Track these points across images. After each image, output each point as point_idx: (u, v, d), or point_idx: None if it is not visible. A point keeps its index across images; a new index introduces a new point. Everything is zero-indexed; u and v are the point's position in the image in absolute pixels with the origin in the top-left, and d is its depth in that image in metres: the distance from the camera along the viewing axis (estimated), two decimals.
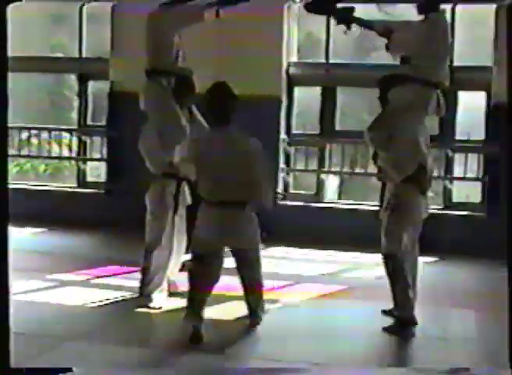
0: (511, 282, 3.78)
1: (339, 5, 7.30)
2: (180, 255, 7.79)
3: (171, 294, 7.65)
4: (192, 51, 7.76)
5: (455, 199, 11.44)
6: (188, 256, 7.69)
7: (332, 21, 8.07)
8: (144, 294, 7.48)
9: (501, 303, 8.09)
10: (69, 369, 4.59)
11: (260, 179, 6.71)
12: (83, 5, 12.59)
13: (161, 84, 7.52)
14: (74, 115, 14.37)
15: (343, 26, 7.26)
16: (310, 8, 7.50)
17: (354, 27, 7.22)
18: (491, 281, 9.19)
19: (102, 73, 12.22)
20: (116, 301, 7.68)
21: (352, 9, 7.23)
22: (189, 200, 7.71)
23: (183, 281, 7.59)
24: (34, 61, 13.28)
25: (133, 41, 11.16)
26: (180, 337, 6.63)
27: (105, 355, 6.02)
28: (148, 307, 7.35)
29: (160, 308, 7.35)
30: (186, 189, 7.66)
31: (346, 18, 7.18)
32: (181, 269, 7.85)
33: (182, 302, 7.23)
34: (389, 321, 6.89)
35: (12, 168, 15.58)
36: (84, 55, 12.70)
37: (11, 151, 13.34)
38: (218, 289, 7.56)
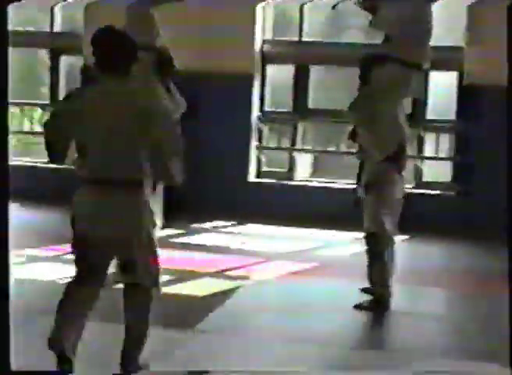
0: (511, 278, 3.62)
1: None
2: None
3: None
4: (166, 27, 7.71)
5: (426, 178, 11.50)
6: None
7: None
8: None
9: (470, 280, 8.30)
10: (69, 371, 4.49)
11: (163, 149, 4.78)
12: None
13: (142, 60, 7.48)
14: (45, 90, 14.37)
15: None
16: None
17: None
18: (460, 259, 9.39)
19: (75, 47, 12.05)
20: None
21: None
22: None
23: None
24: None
25: (106, 16, 11.28)
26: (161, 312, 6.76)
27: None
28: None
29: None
30: None
31: None
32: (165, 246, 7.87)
33: (164, 278, 7.34)
34: (360, 298, 6.92)
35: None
36: (58, 29, 12.64)
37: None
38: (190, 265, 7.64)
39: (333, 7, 7.21)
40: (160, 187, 7.64)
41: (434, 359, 5.69)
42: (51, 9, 12.43)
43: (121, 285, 7.05)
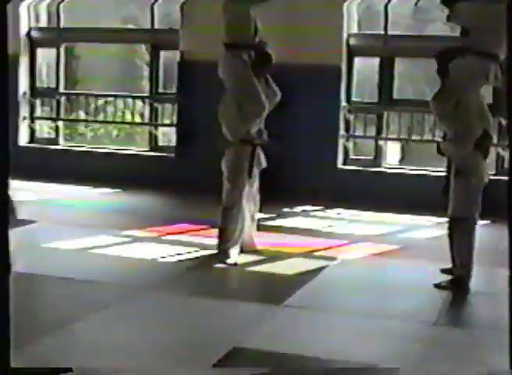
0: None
1: None
2: (255, 215, 7.96)
3: (243, 251, 7.80)
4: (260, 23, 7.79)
5: (507, 165, 11.29)
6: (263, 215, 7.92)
7: None
8: (221, 251, 7.63)
9: None
10: (70, 369, 4.40)
11: None
12: None
13: (242, 58, 7.54)
14: (145, 83, 14.63)
15: None
16: None
17: None
18: None
19: (173, 43, 12.23)
20: (196, 257, 7.82)
21: None
22: (264, 163, 7.85)
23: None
24: (109, 32, 13.50)
25: (202, 13, 11.48)
26: (249, 290, 6.95)
27: (182, 305, 6.25)
28: (225, 263, 7.50)
29: (236, 264, 7.50)
30: (261, 153, 7.80)
31: None
32: (257, 229, 8.08)
33: (257, 258, 7.65)
34: (441, 278, 6.98)
35: (88, 132, 15.99)
36: (156, 26, 12.74)
37: (87, 117, 13.72)
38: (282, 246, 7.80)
39: (416, 3, 7.16)
40: (256, 174, 7.81)
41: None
42: (151, 7, 12.60)
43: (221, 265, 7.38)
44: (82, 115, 13.88)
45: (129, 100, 13.33)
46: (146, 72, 14.36)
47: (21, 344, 4.36)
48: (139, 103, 13.38)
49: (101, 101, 13.63)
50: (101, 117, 13.74)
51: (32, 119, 13.14)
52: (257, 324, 5.73)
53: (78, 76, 16.12)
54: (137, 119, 13.94)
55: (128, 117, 13.92)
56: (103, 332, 5.49)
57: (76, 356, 4.89)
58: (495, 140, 10.88)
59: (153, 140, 12.85)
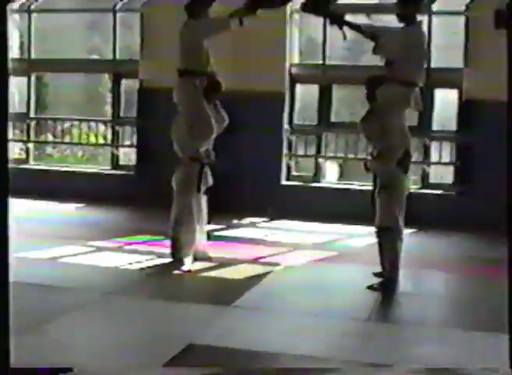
0: (511, 279, 3.58)
1: (333, 10, 7.33)
2: (204, 226, 7.95)
3: (196, 259, 7.79)
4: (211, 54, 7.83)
5: (431, 180, 11.53)
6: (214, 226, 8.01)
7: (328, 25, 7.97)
8: (176, 259, 7.65)
9: (467, 265, 8.42)
10: (70, 369, 4.36)
11: None
12: (116, 13, 12.59)
13: (194, 84, 7.55)
14: (107, 108, 14.58)
15: (340, 33, 7.15)
16: (306, 8, 7.39)
17: (349, 32, 7.16)
18: (461, 249, 9.42)
19: (133, 72, 12.26)
20: (155, 265, 7.80)
21: (343, 14, 7.23)
22: (210, 181, 7.86)
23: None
24: (76, 63, 13.47)
25: (159, 45, 11.54)
26: (202, 293, 7.01)
27: (143, 308, 6.29)
28: (180, 270, 7.52)
29: (189, 270, 7.51)
30: (208, 172, 7.81)
31: (338, 20, 7.12)
32: (208, 238, 8.11)
33: (208, 265, 7.69)
34: (373, 280, 7.02)
35: (55, 153, 15.87)
36: (118, 56, 12.73)
37: (55, 139, 13.66)
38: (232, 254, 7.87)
39: (344, 38, 7.22)
40: (203, 189, 7.80)
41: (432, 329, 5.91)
42: (114, 39, 12.63)
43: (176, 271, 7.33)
44: (50, 137, 13.82)
45: (93, 123, 13.35)
46: (108, 98, 14.35)
47: None
48: (101, 126, 13.44)
49: (67, 125, 13.58)
50: (67, 139, 13.68)
51: None
52: (210, 323, 5.77)
53: (46, 102, 16.01)
54: (100, 141, 13.92)
55: (92, 139, 13.89)
56: (71, 333, 5.50)
57: (47, 355, 4.89)
58: (421, 158, 11.18)
59: (115, 159, 12.84)
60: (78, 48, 14.87)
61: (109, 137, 13.05)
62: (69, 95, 15.95)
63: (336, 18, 7.14)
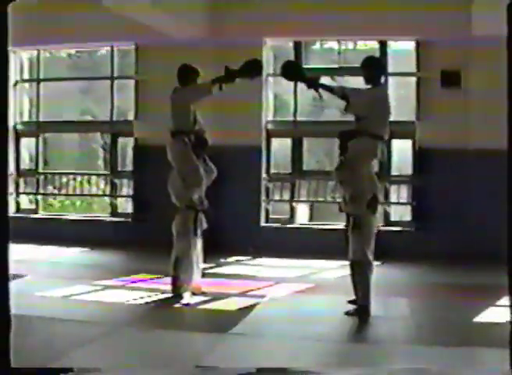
0: (511, 287, 3.61)
1: (309, 75, 7.46)
2: (200, 265, 8.06)
3: (194, 293, 7.86)
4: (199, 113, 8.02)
5: (392, 218, 11.78)
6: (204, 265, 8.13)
7: (302, 87, 8.08)
8: (176, 294, 7.74)
9: (427, 292, 8.56)
10: (70, 370, 4.37)
11: None
12: (113, 80, 12.80)
13: (184, 141, 7.72)
14: (100, 162, 14.73)
15: (313, 92, 7.34)
16: (287, 76, 7.55)
17: (322, 92, 7.26)
18: (421, 277, 9.61)
19: (128, 131, 12.46)
20: (157, 300, 7.83)
21: (318, 78, 7.35)
22: (205, 225, 7.99)
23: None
24: (78, 125, 13.66)
25: (152, 108, 11.75)
26: (201, 323, 7.13)
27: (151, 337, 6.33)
28: (180, 303, 7.60)
29: (188, 304, 7.60)
30: (203, 217, 7.95)
31: (314, 84, 7.25)
32: (202, 276, 8.19)
33: (204, 298, 7.78)
34: (348, 307, 7.12)
35: (56, 203, 15.89)
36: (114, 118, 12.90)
37: (55, 191, 13.72)
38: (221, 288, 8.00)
39: (320, 98, 7.37)
40: (199, 232, 7.93)
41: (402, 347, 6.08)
42: (112, 102, 12.80)
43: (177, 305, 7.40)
44: (50, 189, 13.86)
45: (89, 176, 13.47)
46: (101, 154, 14.52)
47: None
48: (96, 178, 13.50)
49: (65, 179, 13.65)
50: (65, 191, 13.68)
51: (17, 194, 13.26)
52: (212, 348, 5.87)
53: (47, 158, 16.10)
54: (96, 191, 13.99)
55: (91, 190, 13.96)
56: (89, 361, 5.51)
57: None
58: (382, 199, 11.38)
59: (113, 208, 12.97)
60: (72, 110, 15.05)
61: (103, 187, 13.16)
62: (66, 151, 16.05)
63: (313, 82, 7.26)
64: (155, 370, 5.24)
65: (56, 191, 13.84)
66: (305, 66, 11.48)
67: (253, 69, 7.76)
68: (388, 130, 7.23)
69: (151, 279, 9.02)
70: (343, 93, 7.16)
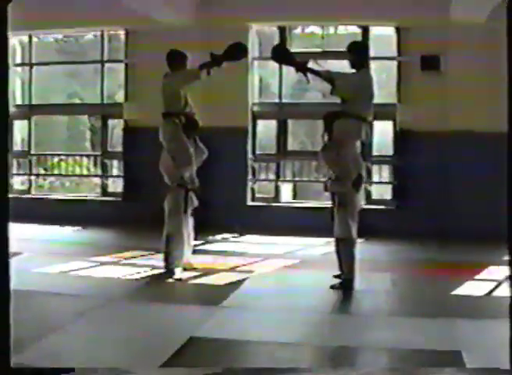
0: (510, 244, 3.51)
1: (298, 59, 7.45)
2: (191, 241, 8.16)
3: (185, 269, 7.98)
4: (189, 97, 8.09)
5: (374, 197, 11.93)
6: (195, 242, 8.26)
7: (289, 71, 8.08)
8: (168, 270, 7.86)
9: (408, 267, 8.73)
10: (72, 370, 4.19)
11: None
12: (103, 64, 12.86)
13: (174, 122, 7.82)
14: (87, 144, 14.81)
15: (300, 75, 7.45)
16: (277, 59, 7.68)
17: (310, 75, 7.30)
18: (401, 253, 9.76)
19: (117, 114, 12.52)
20: (150, 275, 7.93)
21: (306, 62, 7.36)
22: (196, 203, 8.12)
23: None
24: (68, 107, 13.68)
25: (142, 90, 11.84)
26: (193, 297, 7.27)
27: (144, 310, 6.41)
28: (173, 278, 7.73)
29: (180, 279, 7.72)
30: (193, 195, 8.07)
31: (303, 67, 7.29)
32: (193, 252, 8.31)
33: (195, 274, 7.90)
34: (333, 281, 7.25)
35: (46, 184, 15.92)
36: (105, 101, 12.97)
37: (44, 172, 13.79)
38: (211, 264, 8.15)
39: (307, 82, 7.47)
40: (190, 210, 8.03)
41: (384, 318, 6.23)
42: (101, 86, 12.86)
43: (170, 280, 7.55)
44: (41, 171, 13.96)
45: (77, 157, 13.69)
46: (88, 136, 14.60)
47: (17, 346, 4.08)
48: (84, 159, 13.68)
49: (56, 159, 13.77)
50: (56, 171, 13.90)
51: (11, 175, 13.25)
52: (205, 320, 5.94)
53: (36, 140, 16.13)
54: (85, 172, 14.09)
55: (78, 171, 14.05)
56: (84, 334, 5.58)
57: (63, 356, 4.91)
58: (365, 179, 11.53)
59: (104, 188, 13.06)
60: (60, 93, 15.09)
61: (93, 168, 13.28)
62: (54, 133, 16.11)
63: (302, 66, 7.33)
64: (149, 341, 5.30)
65: (45, 172, 13.91)
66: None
67: (237, 51, 7.81)
68: (372, 113, 7.34)
69: (144, 255, 9.11)
70: (330, 77, 7.24)
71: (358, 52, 7.41)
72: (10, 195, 11.88)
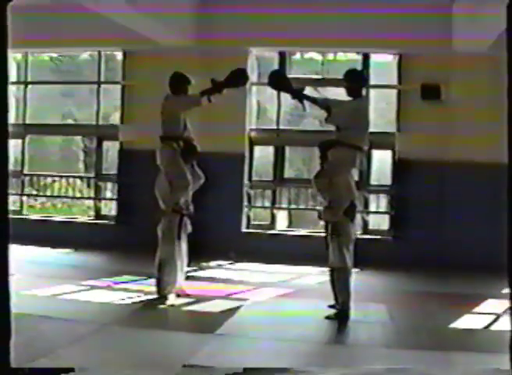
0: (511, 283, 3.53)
1: (294, 86, 7.56)
2: (184, 268, 8.18)
3: (178, 295, 8.01)
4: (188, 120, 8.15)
5: (371, 227, 11.97)
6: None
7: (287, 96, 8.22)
8: (161, 296, 7.86)
9: (403, 299, 8.73)
10: (71, 370, 4.32)
11: None
12: (100, 85, 12.94)
13: (172, 146, 7.86)
14: (81, 165, 14.84)
15: (296, 102, 7.54)
16: (273, 85, 7.71)
17: (306, 102, 7.41)
18: (396, 284, 9.77)
19: (112, 135, 12.52)
20: (142, 301, 7.95)
21: (303, 89, 7.53)
22: (190, 228, 8.15)
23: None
24: (64, 127, 13.77)
25: (138, 112, 11.90)
26: (186, 324, 7.27)
27: (137, 336, 6.42)
28: (165, 304, 7.74)
29: (173, 305, 7.74)
30: (188, 221, 8.11)
31: (299, 95, 7.43)
32: (187, 278, 8.33)
33: (188, 300, 7.92)
34: (328, 311, 7.27)
35: (37, 204, 15.95)
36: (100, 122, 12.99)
37: (36, 192, 13.79)
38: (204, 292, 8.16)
39: (303, 109, 7.54)
40: (184, 236, 8.09)
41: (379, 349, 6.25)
42: (98, 107, 12.91)
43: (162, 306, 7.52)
44: (29, 191, 13.92)
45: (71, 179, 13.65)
46: (81, 157, 14.63)
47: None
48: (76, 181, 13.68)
49: (49, 180, 13.78)
50: (48, 192, 13.88)
51: None
52: (200, 348, 5.97)
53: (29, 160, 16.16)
54: (78, 194, 14.10)
55: (71, 192, 14.04)
56: (78, 359, 5.56)
57: None
58: (361, 208, 11.57)
59: (97, 210, 13.08)
60: (55, 113, 15.16)
61: (86, 190, 13.30)
62: (47, 153, 16.15)
63: (298, 93, 7.45)
64: (142, 369, 5.32)
65: (38, 193, 13.91)
66: (289, 76, 11.69)
67: (239, 79, 7.90)
68: (367, 141, 7.41)
69: (136, 281, 9.12)
70: (326, 104, 7.36)
71: (354, 80, 7.49)
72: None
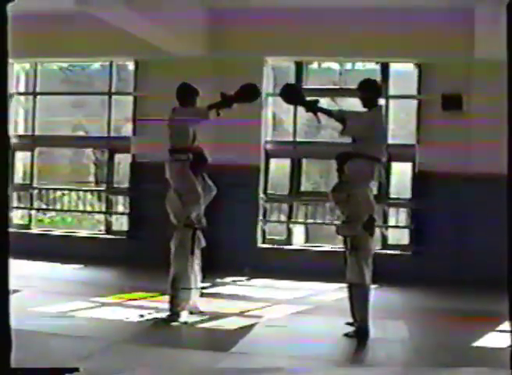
0: (510, 289, 3.57)
1: (308, 98, 7.60)
2: (198, 284, 8.17)
3: (191, 312, 8.02)
4: (202, 133, 8.24)
5: (390, 242, 11.92)
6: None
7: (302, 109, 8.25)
8: (173, 313, 7.85)
9: (423, 316, 8.70)
10: (76, 369, 4.36)
11: None
12: (111, 96, 13.02)
13: (181, 159, 7.88)
14: (91, 178, 14.89)
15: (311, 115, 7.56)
16: (286, 99, 7.77)
17: (320, 115, 7.43)
18: (415, 301, 9.76)
19: (125, 148, 12.61)
20: (154, 318, 7.95)
21: (317, 101, 7.51)
22: (203, 243, 8.15)
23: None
24: (76, 139, 13.94)
25: (150, 124, 11.92)
26: (199, 342, 7.27)
27: (150, 354, 6.42)
28: (178, 322, 7.76)
29: (186, 322, 7.76)
30: (201, 235, 8.12)
31: (313, 107, 7.47)
32: (201, 295, 8.33)
33: (202, 318, 7.94)
34: (346, 329, 7.26)
35: (45, 219, 16.00)
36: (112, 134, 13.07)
37: (46, 206, 13.87)
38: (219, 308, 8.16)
39: (318, 122, 7.59)
40: (197, 251, 8.10)
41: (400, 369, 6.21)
42: (109, 118, 12.98)
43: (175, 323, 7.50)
44: (38, 204, 13.94)
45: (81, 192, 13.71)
46: (92, 169, 14.69)
47: None
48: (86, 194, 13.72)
49: (59, 193, 13.85)
50: (58, 206, 13.93)
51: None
52: (215, 366, 5.98)
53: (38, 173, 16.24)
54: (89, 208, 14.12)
55: (81, 206, 14.09)
56: None
57: None
58: (380, 222, 11.55)
59: (108, 225, 13.11)
60: (64, 125, 15.24)
61: (98, 204, 13.34)
62: (55, 166, 16.23)
63: (312, 105, 7.49)
64: None
65: (47, 207, 13.96)
66: (305, 87, 11.73)
67: (249, 94, 7.93)
68: (385, 152, 7.43)
69: (148, 297, 9.15)
70: (341, 117, 7.38)
71: (369, 90, 7.51)
72: (10, 230, 11.80)
